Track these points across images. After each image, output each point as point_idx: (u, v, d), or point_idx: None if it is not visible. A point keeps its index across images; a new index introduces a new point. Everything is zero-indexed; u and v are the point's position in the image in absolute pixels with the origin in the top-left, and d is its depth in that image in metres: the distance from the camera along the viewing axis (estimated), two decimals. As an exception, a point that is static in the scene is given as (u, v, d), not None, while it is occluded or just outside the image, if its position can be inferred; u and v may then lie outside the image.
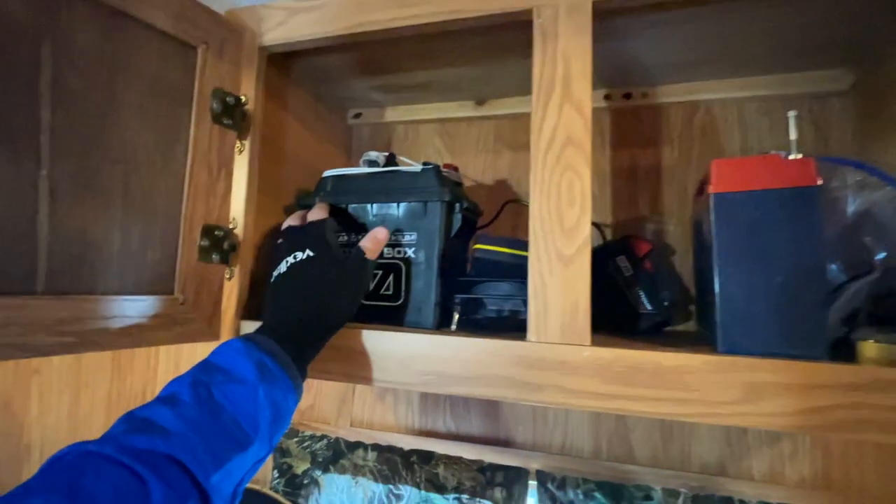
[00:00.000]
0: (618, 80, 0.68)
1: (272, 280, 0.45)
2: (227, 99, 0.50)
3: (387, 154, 0.61)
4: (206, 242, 0.48)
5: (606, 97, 0.69)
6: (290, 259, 0.45)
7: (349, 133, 0.82)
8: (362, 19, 0.51)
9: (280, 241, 0.48)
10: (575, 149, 0.43)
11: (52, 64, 0.37)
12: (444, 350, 0.44)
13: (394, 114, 0.79)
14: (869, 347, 0.38)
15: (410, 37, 0.53)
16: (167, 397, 0.34)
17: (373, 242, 0.48)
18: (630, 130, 0.69)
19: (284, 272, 0.45)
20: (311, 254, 0.44)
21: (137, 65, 0.43)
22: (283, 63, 0.62)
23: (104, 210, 0.40)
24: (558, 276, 0.42)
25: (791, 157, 0.40)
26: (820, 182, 0.39)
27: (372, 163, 0.61)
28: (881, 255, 0.43)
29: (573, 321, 0.41)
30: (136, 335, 0.42)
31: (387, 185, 0.57)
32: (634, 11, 0.48)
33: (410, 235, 0.54)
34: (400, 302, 0.54)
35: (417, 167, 0.57)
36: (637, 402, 0.39)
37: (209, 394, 0.34)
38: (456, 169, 0.62)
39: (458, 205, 0.53)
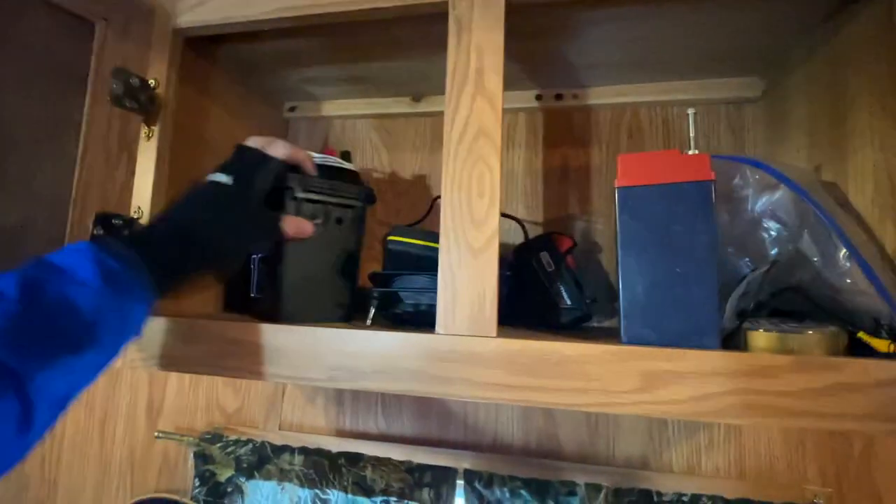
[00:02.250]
0: (549, 80, 0.69)
1: (191, 186, 0.44)
2: (132, 80, 0.47)
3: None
4: (100, 231, 0.45)
5: (538, 97, 0.70)
6: (213, 176, 0.43)
7: (285, 126, 0.80)
8: (280, 5, 0.49)
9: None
10: (486, 140, 0.43)
11: None
12: (352, 344, 0.43)
13: (330, 108, 0.78)
14: (757, 336, 0.39)
15: (336, 25, 0.52)
16: None
17: (295, 227, 0.46)
18: (562, 131, 0.70)
19: (200, 185, 0.43)
20: (230, 182, 0.42)
21: (20, 36, 0.39)
22: (206, 48, 0.60)
23: (-28, 191, 0.37)
24: (467, 268, 0.41)
25: (689, 153, 0.42)
26: (714, 177, 0.40)
27: None
28: (774, 252, 0.45)
29: (480, 313, 0.41)
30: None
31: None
32: (550, 7, 0.49)
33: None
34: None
35: None
36: (540, 392, 0.39)
37: (39, 290, 0.30)
38: (342, 154, 0.57)
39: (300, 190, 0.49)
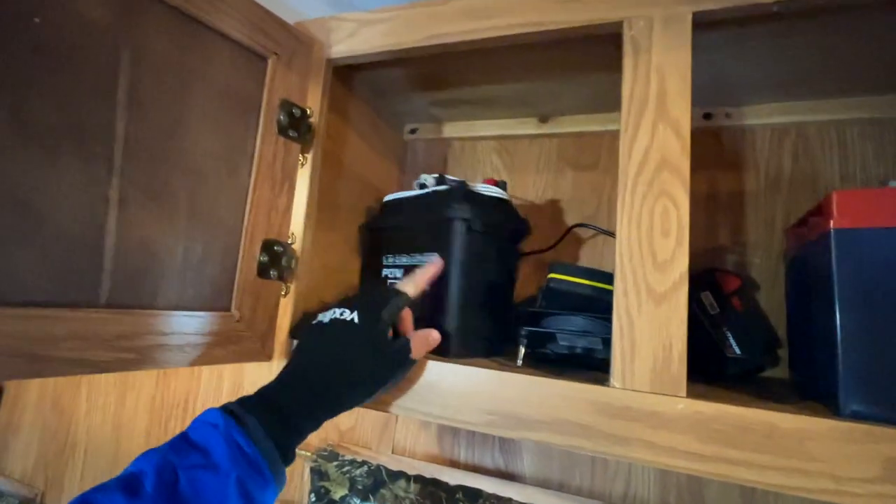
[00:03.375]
0: (698, 98, 0.62)
1: (311, 324, 0.43)
2: (294, 111, 0.49)
3: (437, 176, 0.58)
4: (265, 258, 0.46)
5: (684, 117, 0.64)
6: (336, 313, 0.41)
7: (405, 148, 0.81)
8: (435, 31, 0.49)
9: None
10: (671, 173, 0.39)
11: (131, 71, 0.36)
12: (511, 389, 0.40)
13: (451, 129, 0.77)
14: None
15: (482, 50, 0.50)
16: (130, 479, 0.31)
17: (424, 341, 0.43)
18: (710, 153, 0.64)
19: (324, 324, 0.41)
20: (357, 320, 0.40)
21: (210, 74, 0.42)
22: (346, 75, 0.61)
23: (169, 222, 0.39)
24: (648, 315, 0.37)
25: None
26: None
27: (422, 185, 0.59)
28: None
29: (666, 368, 0.36)
30: (192, 352, 0.40)
31: (423, 206, 0.55)
32: (738, 23, 0.44)
33: (431, 257, 0.51)
34: (423, 327, 0.51)
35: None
36: (743, 468, 0.33)
37: (174, 481, 0.31)
38: (502, 184, 0.57)
39: (478, 222, 0.49)
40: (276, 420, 0.35)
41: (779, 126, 0.61)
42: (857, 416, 0.34)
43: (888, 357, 0.34)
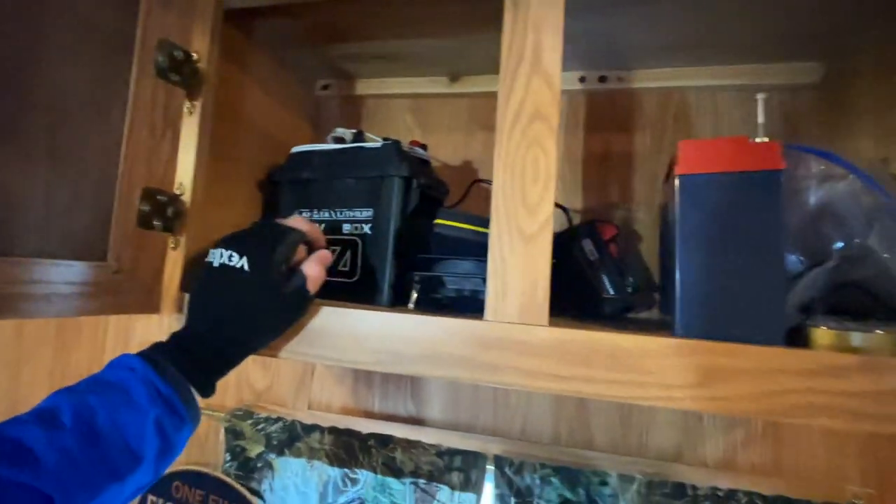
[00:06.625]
0: (594, 62, 0.66)
1: (204, 266, 0.41)
2: (175, 53, 0.46)
3: (355, 131, 0.59)
4: (146, 207, 0.44)
5: (581, 79, 0.68)
6: (226, 258, 0.40)
7: (316, 105, 0.79)
8: (330, -26, 0.48)
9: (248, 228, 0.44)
10: (542, 123, 0.41)
11: (-40, -9, 0.33)
12: (398, 328, 0.42)
13: (364, 87, 0.76)
14: (821, 334, 0.38)
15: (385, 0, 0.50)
16: (46, 413, 0.31)
17: (318, 267, 0.43)
18: (604, 115, 0.68)
19: (215, 268, 0.40)
20: (247, 269, 0.39)
21: (68, 2, 0.38)
22: (244, 21, 0.58)
23: (25, 163, 0.36)
24: (519, 255, 0.40)
25: (758, 140, 0.39)
26: (784, 167, 0.38)
27: (338, 139, 0.59)
28: (838, 245, 0.43)
29: (532, 301, 0.40)
30: (61, 303, 0.39)
31: (349, 161, 0.55)
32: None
33: (367, 212, 0.53)
34: (356, 279, 0.52)
35: (380, 143, 0.55)
36: (594, 384, 0.38)
37: (92, 417, 0.32)
38: (424, 146, 0.60)
39: (415, 181, 0.51)
40: (190, 363, 0.37)
41: (664, 90, 0.66)
42: (688, 335, 0.39)
43: (714, 286, 0.39)
